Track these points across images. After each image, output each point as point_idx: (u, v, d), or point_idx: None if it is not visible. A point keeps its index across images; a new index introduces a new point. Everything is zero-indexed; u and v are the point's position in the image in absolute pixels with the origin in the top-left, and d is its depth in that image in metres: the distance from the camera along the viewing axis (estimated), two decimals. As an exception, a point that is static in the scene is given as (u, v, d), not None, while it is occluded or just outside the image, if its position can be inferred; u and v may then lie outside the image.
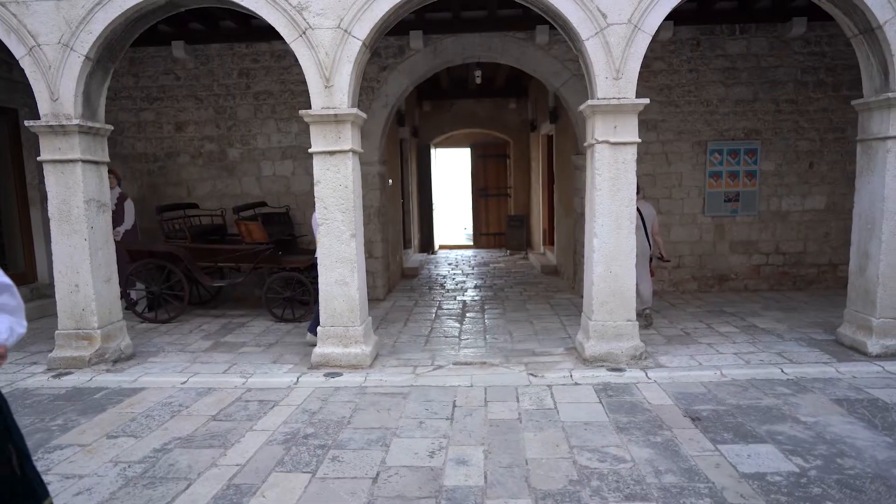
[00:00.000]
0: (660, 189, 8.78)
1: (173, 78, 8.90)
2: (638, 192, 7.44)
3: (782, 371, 5.17)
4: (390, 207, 10.08)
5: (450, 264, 13.02)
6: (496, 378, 5.29)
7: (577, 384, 5.05)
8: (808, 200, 8.75)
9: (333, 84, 5.49)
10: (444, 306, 8.59)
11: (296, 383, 5.28)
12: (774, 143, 8.64)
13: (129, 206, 8.22)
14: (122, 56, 6.00)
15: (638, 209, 6.85)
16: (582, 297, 9.06)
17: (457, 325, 7.43)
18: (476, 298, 9.13)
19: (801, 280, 8.87)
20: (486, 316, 7.90)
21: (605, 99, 5.38)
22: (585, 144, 5.80)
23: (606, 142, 5.44)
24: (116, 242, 7.99)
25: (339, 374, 5.48)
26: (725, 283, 8.92)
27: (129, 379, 5.43)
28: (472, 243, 16.19)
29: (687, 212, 8.82)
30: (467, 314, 8.03)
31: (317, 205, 5.64)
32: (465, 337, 6.82)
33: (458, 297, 9.23)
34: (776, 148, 8.65)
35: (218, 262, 7.79)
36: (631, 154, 5.48)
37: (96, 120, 5.88)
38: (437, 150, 16.50)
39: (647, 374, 5.24)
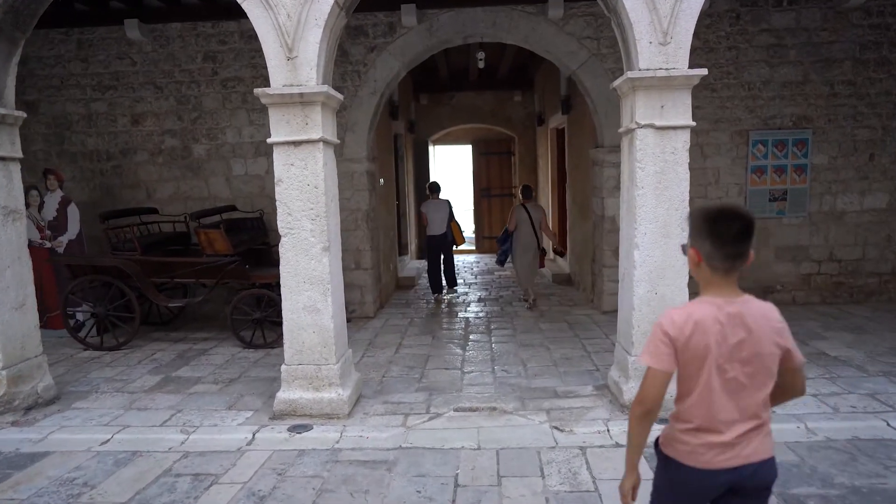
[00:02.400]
0: (693, 187, 7.47)
1: (128, 63, 7.68)
2: (530, 197, 8.40)
3: (889, 425, 3.94)
4: (382, 211, 8.86)
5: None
6: (510, 434, 4.06)
7: (618, 445, 3.82)
8: (868, 198, 7.50)
9: (298, 55, 4.27)
10: (444, 325, 7.36)
11: (250, 443, 4.05)
12: (828, 133, 7.40)
13: (72, 212, 7.01)
14: (33, 24, 4.78)
15: (526, 209, 8.10)
16: (603, 312, 7.84)
17: (459, 351, 6.21)
18: (480, 315, 7.89)
19: (859, 291, 7.63)
20: (493, 338, 6.67)
21: (649, 70, 4.15)
22: (621, 130, 4.58)
23: (651, 126, 4.21)
24: (58, 255, 6.83)
25: (308, 428, 4.25)
26: (770, 296, 7.67)
27: (36, 437, 4.20)
28: (474, 248, 14.96)
29: (725, 213, 7.56)
30: (471, 336, 6.80)
31: (278, 210, 4.42)
32: (469, 368, 5.60)
33: (460, 314, 7.99)
34: (830, 138, 7.41)
35: (175, 278, 6.56)
36: (682, 141, 4.25)
37: (1, 105, 4.66)
38: (436, 147, 15.27)
39: (707, 429, 4.00)
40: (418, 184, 13.73)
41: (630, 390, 4.34)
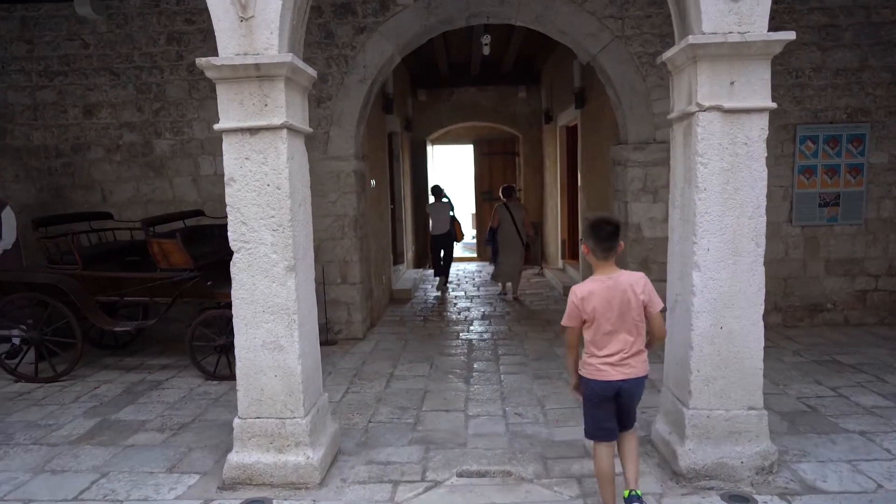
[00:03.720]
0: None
1: (80, 45, 6.66)
2: (512, 196, 8.81)
3: None
4: (373, 216, 7.85)
5: (449, 283, 10.78)
6: (534, 518, 3.05)
7: (683, 540, 2.81)
8: (935, 204, 6.51)
9: (254, 14, 3.27)
10: (444, 350, 6.34)
11: (185, 530, 3.03)
12: (889, 127, 6.41)
13: (8, 217, 5.99)
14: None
15: (509, 209, 8.60)
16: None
17: (462, 385, 5.19)
18: (485, 336, 6.88)
19: (922, 311, 6.63)
20: (501, 367, 5.66)
21: (716, 34, 3.14)
22: (672, 115, 3.57)
23: (717, 108, 3.20)
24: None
25: (266, 505, 3.23)
26: (818, 316, 6.67)
27: None
28: (475, 255, 13.95)
29: (768, 220, 6.50)
30: (475, 364, 5.78)
31: (229, 218, 3.40)
32: (475, 410, 4.58)
33: (462, 335, 6.97)
34: (891, 133, 6.41)
35: (124, 296, 5.53)
36: (759, 129, 3.25)
37: None
38: (435, 146, 14.28)
39: (798, 512, 3.00)
40: (416, 186, 12.74)
41: (688, 454, 3.32)
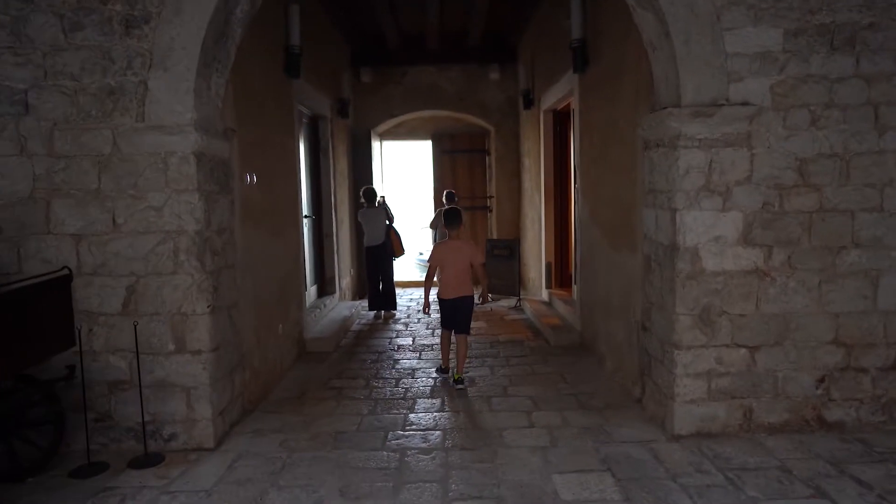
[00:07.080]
0: (852, 188, 3.76)
1: None
2: (452, 201, 8.58)
3: None
4: (256, 232, 4.91)
5: (397, 319, 7.88)
6: None
7: None
8: None
9: None
10: (352, 482, 3.43)
11: None
12: None
13: None
14: None
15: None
16: (676, 436, 3.78)
17: None
18: (431, 438, 3.99)
19: None
20: (453, 541, 2.78)
21: None
22: None
23: None
24: None
25: None
26: None
27: None
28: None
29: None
30: (402, 531, 2.89)
31: None
32: None
33: (393, 436, 4.07)
34: None
35: None
36: None
37: None
38: (385, 142, 11.38)
39: None
40: (357, 191, 9.81)
41: None
